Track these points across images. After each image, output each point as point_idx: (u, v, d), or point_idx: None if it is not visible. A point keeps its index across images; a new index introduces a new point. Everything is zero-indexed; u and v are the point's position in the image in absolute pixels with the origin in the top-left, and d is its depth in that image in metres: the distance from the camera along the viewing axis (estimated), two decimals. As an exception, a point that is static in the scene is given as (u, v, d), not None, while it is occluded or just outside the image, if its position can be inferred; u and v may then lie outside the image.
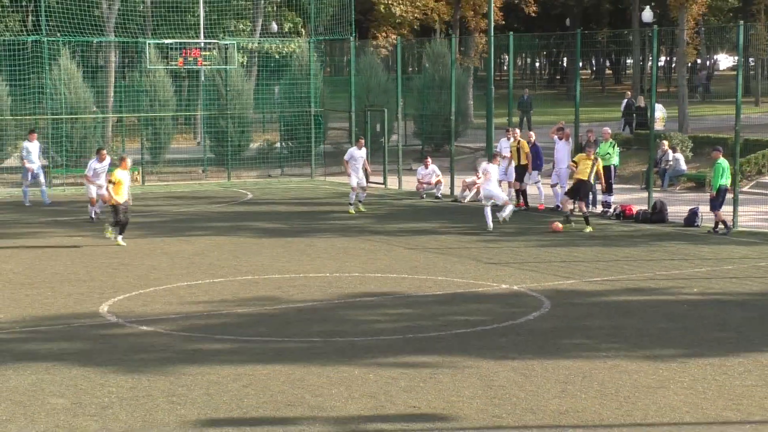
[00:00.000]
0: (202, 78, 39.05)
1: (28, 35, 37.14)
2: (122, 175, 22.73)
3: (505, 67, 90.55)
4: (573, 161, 25.88)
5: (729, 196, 24.59)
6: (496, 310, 16.23)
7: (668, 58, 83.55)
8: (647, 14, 55.91)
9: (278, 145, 41.07)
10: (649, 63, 47.99)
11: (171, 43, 36.92)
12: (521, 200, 28.56)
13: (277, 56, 44.91)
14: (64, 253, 21.78)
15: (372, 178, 32.29)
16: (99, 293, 17.54)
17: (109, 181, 22.94)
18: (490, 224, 24.46)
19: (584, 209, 24.87)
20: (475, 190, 30.28)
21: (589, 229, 24.27)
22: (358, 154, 28.25)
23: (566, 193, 25.75)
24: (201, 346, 13.98)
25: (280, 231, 25.02)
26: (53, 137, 35.44)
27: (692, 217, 25.09)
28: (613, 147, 27.67)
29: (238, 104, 38.91)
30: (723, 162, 24.15)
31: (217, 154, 39.06)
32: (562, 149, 28.18)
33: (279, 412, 11.18)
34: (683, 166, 32.93)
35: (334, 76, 61.50)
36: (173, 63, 36.97)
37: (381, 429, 10.67)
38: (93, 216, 26.42)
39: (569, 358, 13.23)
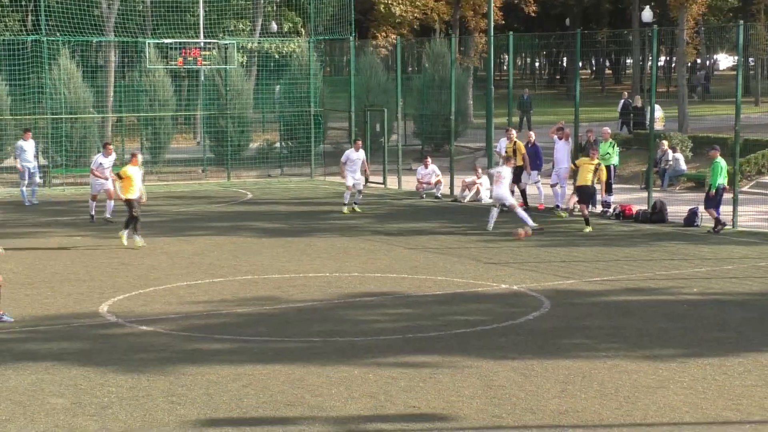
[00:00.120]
0: (202, 78, 39.02)
1: (28, 35, 37.14)
2: (133, 171, 22.71)
3: (505, 67, 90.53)
4: (574, 164, 25.85)
5: (728, 195, 24.60)
6: (495, 310, 16.23)
7: (668, 58, 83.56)
8: (647, 14, 55.87)
9: (278, 145, 41.03)
10: (649, 63, 47.92)
11: (171, 43, 36.91)
12: (521, 200, 28.51)
13: (276, 56, 44.91)
14: (64, 253, 21.78)
15: (372, 178, 32.30)
16: (99, 293, 17.54)
17: (118, 176, 22.95)
18: (491, 225, 24.45)
19: (585, 210, 24.86)
20: (474, 190, 30.31)
21: (588, 229, 24.26)
22: (354, 156, 28.12)
23: (578, 201, 25.57)
24: (200, 346, 13.98)
25: (280, 231, 25.00)
26: (53, 137, 35.43)
27: (692, 217, 25.08)
28: (613, 147, 27.69)
29: (237, 104, 38.88)
30: (721, 161, 24.16)
31: (217, 154, 39.04)
32: (562, 149, 28.15)
33: (279, 412, 11.18)
34: (683, 166, 32.91)
35: (334, 75, 61.52)
36: (173, 63, 36.95)
37: (381, 429, 10.67)
38: (93, 214, 26.37)
39: (569, 358, 13.23)
